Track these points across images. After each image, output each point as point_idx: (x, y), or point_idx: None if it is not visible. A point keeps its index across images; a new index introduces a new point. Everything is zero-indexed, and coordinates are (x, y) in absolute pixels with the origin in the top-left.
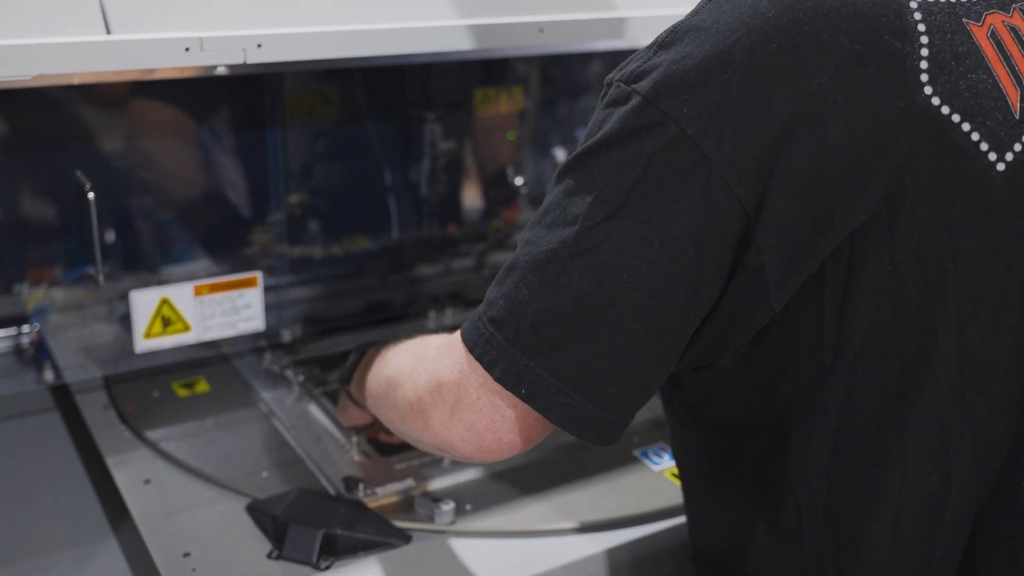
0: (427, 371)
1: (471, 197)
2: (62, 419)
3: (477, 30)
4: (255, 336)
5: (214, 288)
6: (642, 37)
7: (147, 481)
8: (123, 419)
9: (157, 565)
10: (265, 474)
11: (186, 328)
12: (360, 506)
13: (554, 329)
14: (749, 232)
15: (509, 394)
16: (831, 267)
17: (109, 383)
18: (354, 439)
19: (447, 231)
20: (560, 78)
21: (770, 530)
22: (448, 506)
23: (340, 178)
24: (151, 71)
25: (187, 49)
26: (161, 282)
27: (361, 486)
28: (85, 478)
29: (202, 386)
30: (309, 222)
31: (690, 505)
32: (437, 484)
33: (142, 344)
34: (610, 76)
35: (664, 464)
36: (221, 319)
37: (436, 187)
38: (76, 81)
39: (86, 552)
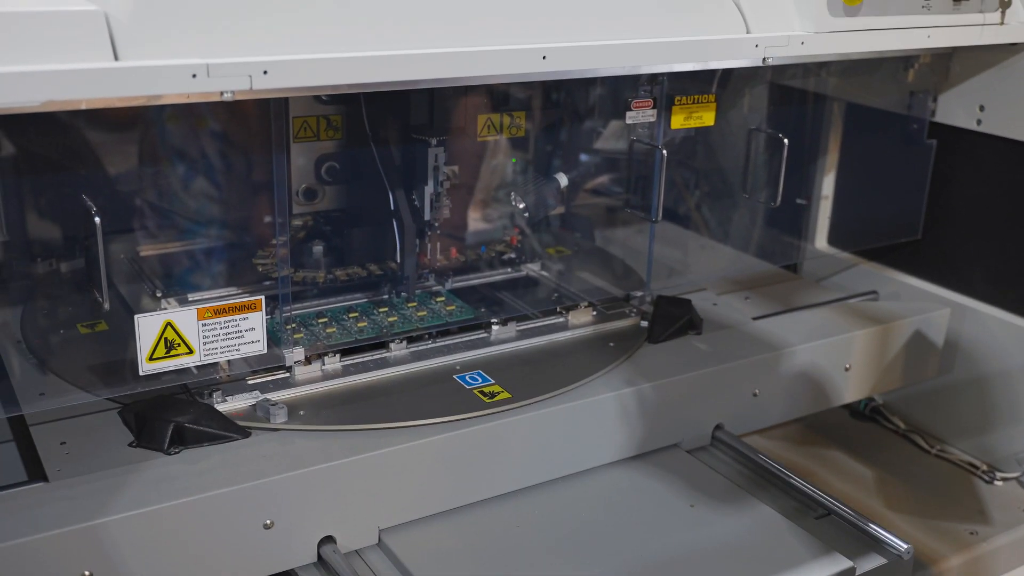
0: None
1: (475, 220)
2: None
3: (480, 57)
4: (257, 359)
5: (217, 312)
6: (644, 63)
7: (41, 394)
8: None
9: (38, 450)
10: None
11: (189, 351)
12: (210, 408)
13: None
14: None
15: None
16: None
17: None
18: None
19: (450, 254)
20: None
21: None
22: (282, 409)
23: (343, 201)
24: (158, 97)
25: (194, 76)
26: (165, 306)
27: (216, 394)
28: None
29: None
30: (312, 246)
31: None
32: (278, 396)
33: (146, 367)
34: None
35: (477, 384)
36: (224, 342)
37: (439, 211)
38: (83, 106)
39: None
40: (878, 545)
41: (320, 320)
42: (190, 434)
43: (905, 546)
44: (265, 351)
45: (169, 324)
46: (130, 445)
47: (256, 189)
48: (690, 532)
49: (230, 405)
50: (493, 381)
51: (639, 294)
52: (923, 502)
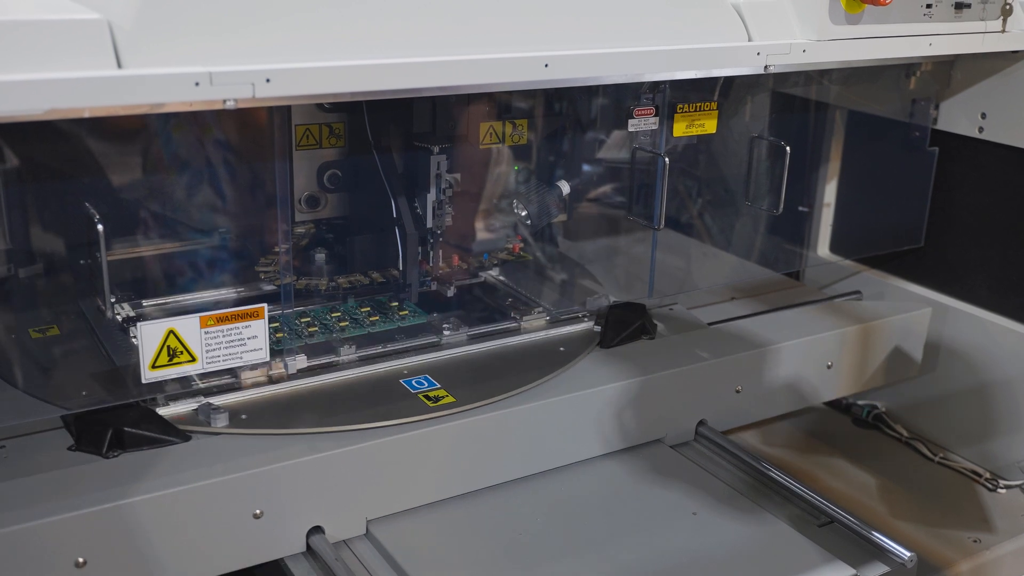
0: None
1: (478, 228)
2: None
3: (483, 65)
4: (260, 366)
5: (220, 320)
6: (646, 71)
7: None
8: None
9: None
10: (84, 392)
11: (192, 359)
12: (150, 412)
13: None
14: None
15: None
16: None
17: None
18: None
19: (452, 262)
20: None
21: None
22: (222, 413)
23: (346, 209)
24: (161, 105)
25: (197, 84)
26: (168, 313)
27: (159, 398)
28: None
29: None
30: (315, 253)
31: None
32: (222, 400)
33: (148, 374)
34: None
35: (423, 388)
36: (227, 350)
37: (441, 218)
38: (87, 114)
39: None
40: (881, 553)
41: (271, 325)
42: (129, 438)
43: (908, 554)
44: (268, 359)
45: (172, 332)
46: (69, 449)
47: (258, 197)
48: (692, 539)
49: (172, 409)
50: (439, 385)
51: (595, 296)
52: (926, 510)
